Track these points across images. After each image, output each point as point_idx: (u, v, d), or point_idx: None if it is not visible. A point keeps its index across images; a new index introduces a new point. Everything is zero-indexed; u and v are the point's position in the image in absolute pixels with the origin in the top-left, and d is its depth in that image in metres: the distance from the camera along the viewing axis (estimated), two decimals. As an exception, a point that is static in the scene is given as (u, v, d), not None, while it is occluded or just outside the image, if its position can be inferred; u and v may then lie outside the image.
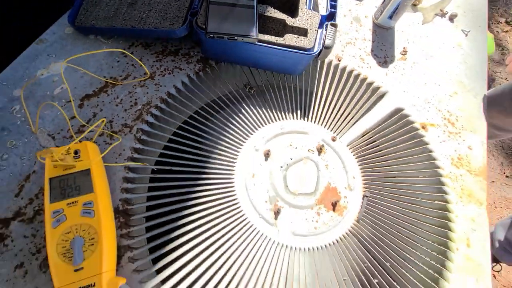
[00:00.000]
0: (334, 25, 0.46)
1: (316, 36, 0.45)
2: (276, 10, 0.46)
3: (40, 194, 0.36)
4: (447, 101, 0.56)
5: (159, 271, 0.36)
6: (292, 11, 0.48)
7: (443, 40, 0.63)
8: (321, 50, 0.45)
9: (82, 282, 0.30)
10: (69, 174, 0.34)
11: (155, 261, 0.37)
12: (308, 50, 0.44)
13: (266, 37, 0.43)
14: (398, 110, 0.53)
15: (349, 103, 0.53)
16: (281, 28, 0.47)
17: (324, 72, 0.55)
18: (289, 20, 0.46)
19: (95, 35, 0.48)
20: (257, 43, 0.43)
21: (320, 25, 0.47)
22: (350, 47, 0.58)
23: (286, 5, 0.48)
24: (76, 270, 0.30)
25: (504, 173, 1.35)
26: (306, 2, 0.47)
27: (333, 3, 0.48)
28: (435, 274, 0.41)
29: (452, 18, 0.66)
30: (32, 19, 0.55)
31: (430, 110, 0.54)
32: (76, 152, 0.35)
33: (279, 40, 0.44)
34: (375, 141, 0.50)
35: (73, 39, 0.47)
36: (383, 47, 0.60)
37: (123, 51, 0.47)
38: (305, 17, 0.46)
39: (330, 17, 0.48)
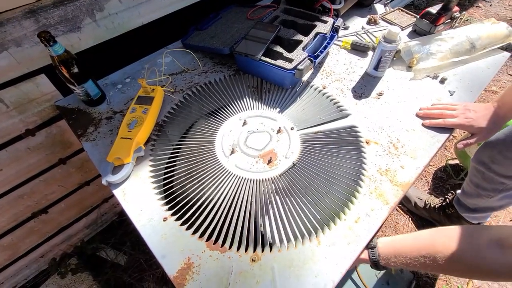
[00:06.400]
0: (311, 60, 0.73)
1: (296, 64, 0.73)
2: (280, 47, 0.77)
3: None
4: (401, 132, 0.69)
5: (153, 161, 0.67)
6: (291, 50, 0.77)
7: (423, 93, 0.77)
8: (295, 71, 0.72)
9: (128, 135, 0.64)
10: (146, 96, 0.72)
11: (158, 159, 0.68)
12: (288, 70, 0.72)
13: (266, 59, 0.74)
14: (352, 127, 0.71)
15: (316, 114, 0.75)
16: (280, 57, 0.77)
17: (309, 92, 0.79)
18: (285, 54, 0.76)
19: (190, 49, 0.91)
20: (259, 61, 0.74)
21: (304, 60, 0.74)
22: (337, 83, 0.81)
23: (289, 46, 0.79)
24: (128, 131, 0.65)
25: None
26: (303, 48, 0.77)
27: (322, 50, 0.76)
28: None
29: (443, 81, 0.79)
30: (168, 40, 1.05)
31: (380, 134, 0.69)
32: (152, 89, 0.74)
33: (273, 61, 0.74)
34: (322, 137, 0.69)
35: (180, 47, 0.92)
36: (364, 88, 0.79)
37: (195, 56, 0.87)
38: (296, 53, 0.75)
39: (314, 57, 0.75)
